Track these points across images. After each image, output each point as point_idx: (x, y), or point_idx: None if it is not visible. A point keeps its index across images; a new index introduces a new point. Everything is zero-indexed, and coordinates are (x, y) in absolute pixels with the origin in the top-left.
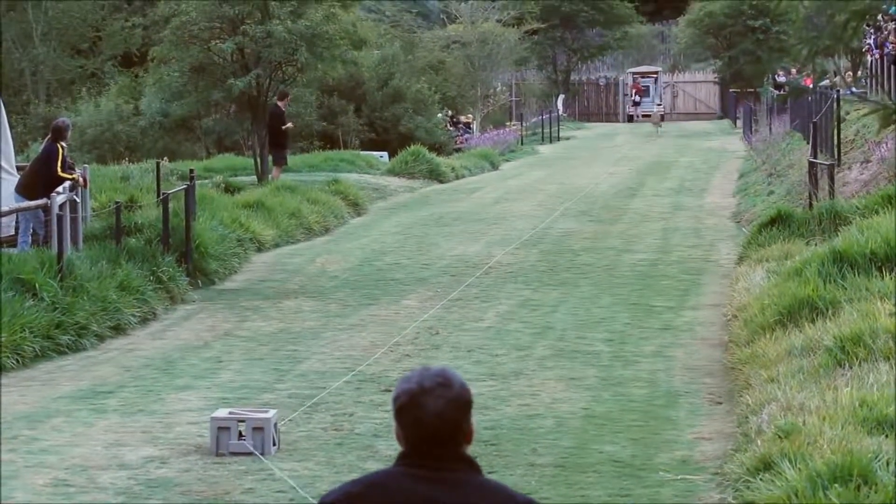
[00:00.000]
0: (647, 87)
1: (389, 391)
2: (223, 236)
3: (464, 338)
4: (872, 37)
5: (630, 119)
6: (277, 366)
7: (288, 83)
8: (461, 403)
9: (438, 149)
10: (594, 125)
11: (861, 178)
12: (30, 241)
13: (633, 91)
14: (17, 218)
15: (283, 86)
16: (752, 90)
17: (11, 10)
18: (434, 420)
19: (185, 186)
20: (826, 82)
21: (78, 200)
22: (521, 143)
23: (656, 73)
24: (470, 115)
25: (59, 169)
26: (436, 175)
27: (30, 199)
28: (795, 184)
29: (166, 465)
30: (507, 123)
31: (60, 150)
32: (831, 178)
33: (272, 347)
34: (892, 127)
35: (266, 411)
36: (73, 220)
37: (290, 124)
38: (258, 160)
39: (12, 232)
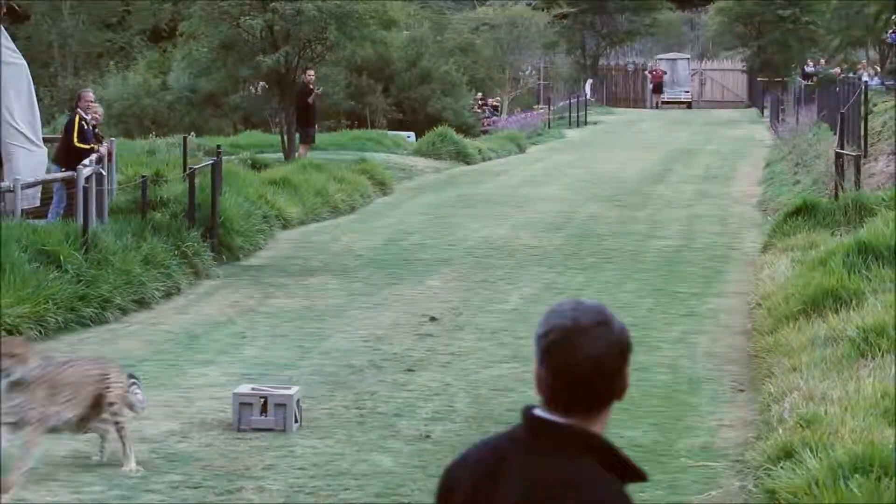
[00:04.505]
0: (665, 73)
1: (412, 371)
2: (249, 212)
3: (488, 320)
4: None
5: (657, 105)
6: (301, 343)
7: (317, 61)
8: (623, 348)
9: (465, 130)
10: (622, 110)
11: (887, 170)
12: (62, 212)
13: (651, 78)
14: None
15: (312, 64)
16: (780, 79)
17: None
18: (592, 365)
19: (211, 162)
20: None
21: (104, 173)
22: (549, 127)
23: (675, 59)
24: (498, 98)
25: (74, 139)
26: (462, 157)
27: (62, 169)
28: (822, 174)
29: (187, 439)
30: (535, 107)
31: (77, 120)
32: (857, 169)
33: (296, 324)
34: None
35: (289, 388)
36: (99, 193)
37: (318, 91)
38: (285, 137)
39: (37, 203)
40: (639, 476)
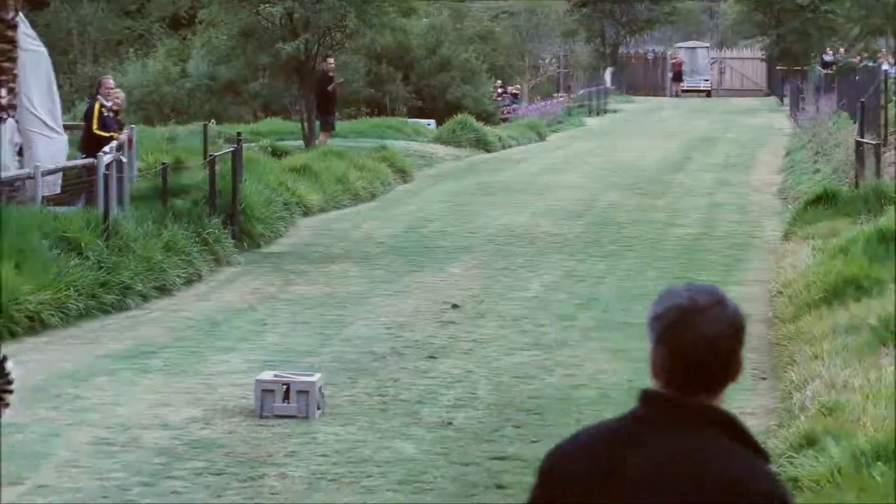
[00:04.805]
0: (683, 62)
1: (434, 358)
2: (269, 200)
3: (509, 307)
4: None
5: (676, 94)
6: (322, 330)
7: (336, 49)
8: (738, 328)
9: (485, 118)
10: (641, 99)
11: None
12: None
13: (672, 67)
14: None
15: (332, 51)
16: (800, 68)
17: None
18: (709, 345)
19: (232, 149)
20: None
21: (124, 160)
22: (569, 115)
23: (695, 47)
24: (517, 86)
25: (94, 126)
26: (482, 144)
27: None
28: (842, 162)
29: (209, 426)
30: (555, 95)
31: (97, 107)
32: (878, 158)
33: (317, 311)
34: None
35: (311, 375)
36: (120, 180)
37: (339, 80)
38: (305, 125)
39: (58, 190)
40: (762, 453)
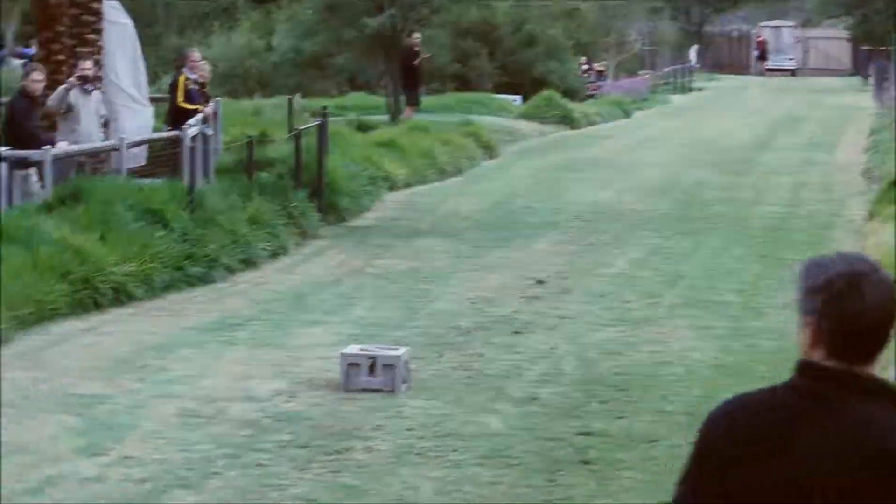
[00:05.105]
0: (766, 40)
1: (519, 333)
2: (355, 174)
3: (594, 283)
4: None
5: (761, 73)
6: (408, 304)
7: (422, 24)
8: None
9: (571, 95)
10: (726, 77)
11: None
12: None
13: (757, 45)
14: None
15: (417, 26)
16: (885, 48)
17: None
18: (876, 313)
19: (317, 123)
20: None
21: (210, 133)
22: (654, 93)
23: (780, 26)
24: (603, 63)
25: (178, 99)
26: (568, 121)
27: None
28: None
29: (295, 398)
30: (640, 72)
31: (182, 80)
32: None
33: (403, 286)
34: None
35: (397, 349)
36: (205, 153)
37: (425, 55)
38: (391, 100)
39: (143, 162)
40: None
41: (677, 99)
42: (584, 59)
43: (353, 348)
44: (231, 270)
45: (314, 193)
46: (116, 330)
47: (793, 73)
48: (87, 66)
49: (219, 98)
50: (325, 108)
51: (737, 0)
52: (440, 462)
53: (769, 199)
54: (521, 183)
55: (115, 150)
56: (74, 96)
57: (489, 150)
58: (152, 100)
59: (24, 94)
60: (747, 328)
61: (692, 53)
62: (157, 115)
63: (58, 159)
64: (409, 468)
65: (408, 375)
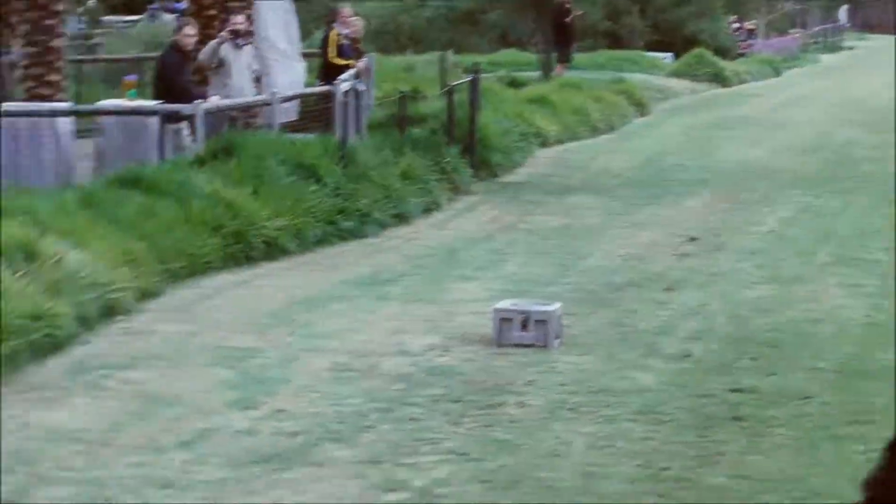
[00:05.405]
0: None
1: (671, 290)
2: (507, 130)
3: (746, 241)
4: None
5: None
6: (560, 260)
7: None
8: None
9: (722, 53)
10: (877, 37)
11: None
12: None
13: None
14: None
15: None
16: None
17: None
18: None
19: (469, 79)
20: None
21: (362, 89)
22: (804, 52)
23: None
24: (754, 22)
25: (330, 54)
26: (719, 79)
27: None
28: None
29: (448, 353)
30: (790, 31)
31: (333, 36)
32: None
33: (555, 242)
34: None
35: (550, 304)
36: (357, 108)
37: (577, 12)
38: (542, 56)
39: (294, 117)
40: None
41: (827, 58)
42: (734, 17)
43: (506, 303)
44: (383, 225)
45: (466, 149)
46: (268, 284)
47: None
48: (238, 20)
49: (372, 54)
50: (477, 64)
51: None
52: (592, 417)
53: None
54: (673, 140)
55: (267, 104)
56: (226, 51)
57: (641, 108)
58: (304, 55)
59: (176, 49)
60: None
61: (842, 13)
62: (309, 71)
63: (209, 114)
64: (561, 423)
65: (560, 331)
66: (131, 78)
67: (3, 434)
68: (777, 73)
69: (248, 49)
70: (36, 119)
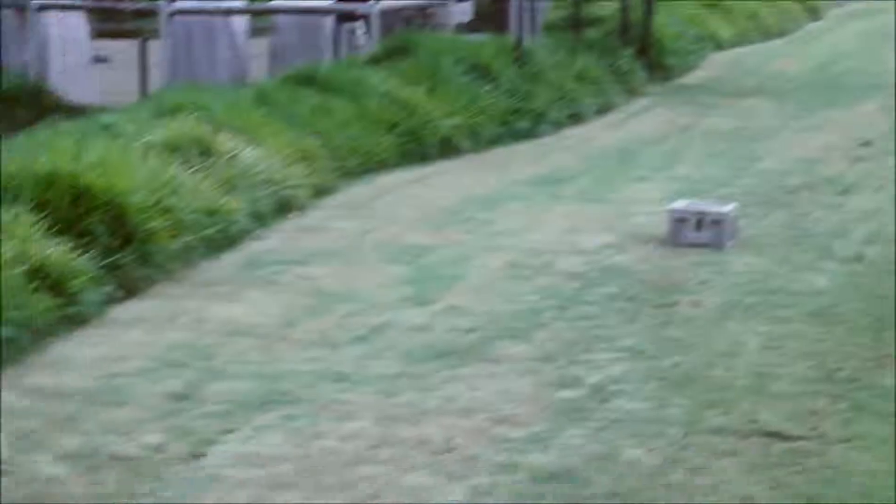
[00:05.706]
0: None
1: (846, 193)
2: (681, 33)
3: None
4: None
5: None
6: (734, 162)
7: None
8: None
9: None
10: None
11: None
12: None
13: None
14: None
15: None
16: None
17: None
18: None
19: None
20: None
21: None
22: None
23: None
24: None
25: None
26: None
27: None
28: None
29: (622, 252)
30: None
31: None
32: None
33: (729, 144)
34: None
35: (724, 205)
36: (532, 10)
37: None
38: None
39: (469, 18)
40: None
41: None
42: None
43: (681, 204)
44: (557, 126)
45: (641, 51)
46: (443, 182)
47: None
48: None
49: None
50: None
51: None
52: (766, 318)
53: None
54: (847, 46)
55: (442, 5)
56: None
57: (814, 13)
58: None
59: None
60: None
61: None
62: None
63: (384, 13)
64: (735, 323)
65: (734, 232)
66: None
67: (178, 328)
68: None
69: None
70: (210, 17)
